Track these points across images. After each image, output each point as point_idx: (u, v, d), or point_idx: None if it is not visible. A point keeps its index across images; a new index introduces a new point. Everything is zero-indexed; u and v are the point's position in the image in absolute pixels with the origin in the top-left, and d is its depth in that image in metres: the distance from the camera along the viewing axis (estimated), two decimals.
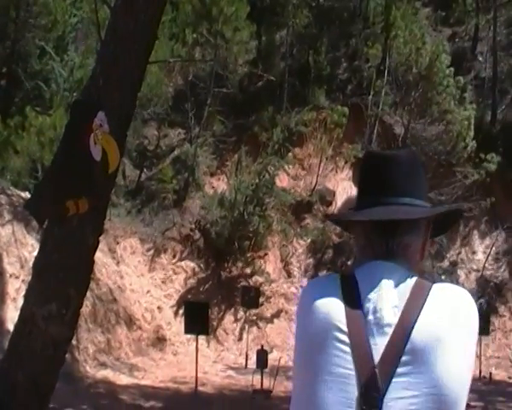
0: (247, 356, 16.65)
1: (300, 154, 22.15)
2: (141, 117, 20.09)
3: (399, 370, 1.66)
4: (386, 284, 1.77)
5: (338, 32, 24.58)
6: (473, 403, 12.84)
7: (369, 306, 1.74)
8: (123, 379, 14.55)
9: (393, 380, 1.66)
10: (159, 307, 18.27)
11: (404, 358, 1.67)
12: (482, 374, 16.21)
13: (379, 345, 1.70)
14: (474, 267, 20.26)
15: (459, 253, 20.54)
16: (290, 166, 21.58)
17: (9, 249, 13.96)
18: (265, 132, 21.37)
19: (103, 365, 14.96)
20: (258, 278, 19.50)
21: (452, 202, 18.29)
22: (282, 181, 21.20)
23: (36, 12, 20.06)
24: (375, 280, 1.78)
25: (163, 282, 18.98)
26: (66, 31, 20.82)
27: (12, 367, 6.35)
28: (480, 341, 15.85)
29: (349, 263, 19.49)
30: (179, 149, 21.87)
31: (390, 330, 1.70)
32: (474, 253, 20.53)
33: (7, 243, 14.02)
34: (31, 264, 8.77)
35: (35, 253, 7.35)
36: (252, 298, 16.89)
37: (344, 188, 21.19)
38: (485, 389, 15.09)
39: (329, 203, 21.34)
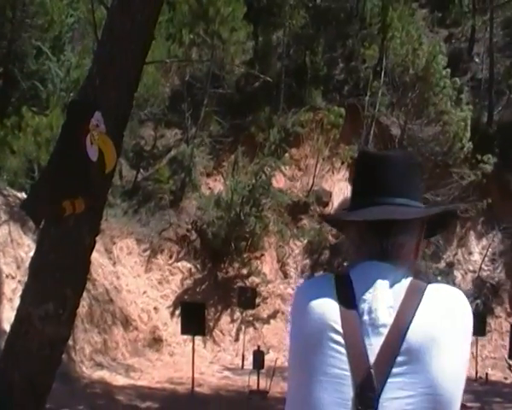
0: (243, 357, 16.65)
1: (297, 154, 22.15)
2: (137, 117, 20.09)
3: (395, 370, 1.66)
4: (381, 285, 1.77)
5: (335, 33, 24.59)
6: (469, 404, 12.85)
7: (364, 306, 1.74)
8: (119, 380, 14.54)
9: (389, 380, 1.66)
10: (155, 308, 18.26)
11: (399, 358, 1.67)
12: (478, 375, 16.23)
13: (374, 345, 1.70)
14: (471, 268, 20.28)
15: (455, 254, 20.56)
16: (287, 167, 21.58)
17: (6, 250, 13.94)
18: (262, 133, 21.36)
19: (100, 365, 14.94)
20: (254, 279, 19.50)
21: (449, 203, 18.29)
22: (279, 182, 21.20)
23: (32, 12, 20.03)
24: (370, 280, 1.78)
25: (159, 282, 18.97)
26: (63, 31, 20.82)
27: (8, 367, 6.34)
28: (476, 342, 15.91)
29: (345, 264, 19.49)
30: (176, 149, 21.87)
31: (385, 331, 1.70)
32: (470, 254, 20.55)
33: (3, 243, 14.00)
34: (27, 264, 8.76)
35: (31, 253, 7.34)
36: (248, 299, 16.89)
37: (340, 189, 21.20)
38: (481, 390, 15.12)
39: (326, 204, 21.35)
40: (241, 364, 16.62)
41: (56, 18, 20.24)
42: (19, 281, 12.90)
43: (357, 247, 1.92)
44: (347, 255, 2.00)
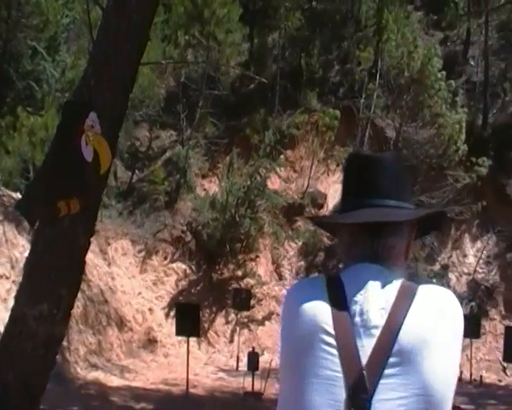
0: (238, 358, 16.64)
1: (292, 156, 22.17)
2: (132, 118, 20.08)
3: (387, 371, 1.66)
4: (373, 286, 1.77)
5: (330, 35, 24.62)
6: (463, 406, 12.86)
7: (356, 308, 1.74)
8: (114, 381, 14.52)
9: (381, 381, 1.66)
10: (150, 309, 18.25)
11: (391, 359, 1.67)
12: (473, 377, 16.25)
13: (366, 347, 1.70)
14: (465, 271, 20.30)
15: (450, 256, 20.59)
16: (282, 169, 21.59)
17: (0, 250, 13.91)
18: (257, 135, 21.37)
19: (94, 366, 14.93)
20: (249, 281, 19.51)
21: (443, 206, 18.32)
22: (274, 183, 21.21)
23: (28, 12, 20.03)
24: (361, 282, 1.78)
25: (154, 283, 18.96)
26: (58, 31, 20.81)
27: (2, 368, 6.32)
28: (470, 344, 15.92)
29: (341, 266, 19.51)
30: (171, 150, 21.86)
31: (377, 332, 1.70)
32: (465, 256, 20.57)
33: None
34: (21, 264, 8.75)
35: (26, 253, 7.34)
36: (243, 300, 16.89)
37: (335, 190, 21.18)
38: (475, 392, 15.13)
39: (321, 206, 21.36)
40: (235, 365, 16.60)
41: (52, 18, 20.24)
42: (13, 281, 12.87)
43: (349, 249, 1.92)
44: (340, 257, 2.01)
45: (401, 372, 1.66)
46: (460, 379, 14.97)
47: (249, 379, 13.62)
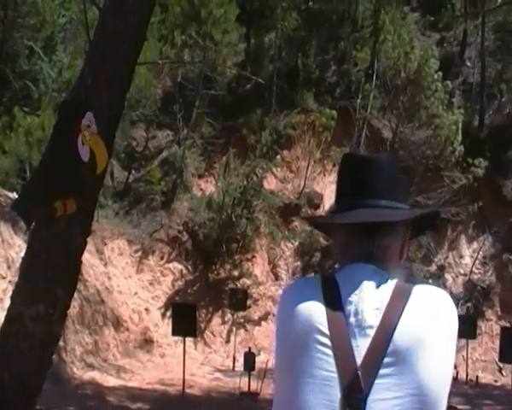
0: (234, 358, 16.65)
1: (288, 156, 22.18)
2: (129, 118, 20.08)
3: (382, 371, 1.67)
4: (368, 286, 1.77)
5: (327, 36, 24.63)
6: (459, 407, 12.89)
7: (351, 308, 1.75)
8: (110, 381, 14.51)
9: (376, 381, 1.66)
10: (146, 309, 18.24)
11: (386, 359, 1.67)
12: (469, 378, 16.26)
13: (361, 347, 1.70)
14: (462, 271, 20.32)
15: (446, 257, 20.60)
16: (278, 169, 21.58)
17: None
18: (254, 135, 21.37)
19: (90, 366, 14.92)
20: (245, 281, 19.51)
21: (440, 207, 18.34)
22: (270, 184, 21.22)
23: (24, 12, 20.01)
24: (356, 282, 1.78)
25: (151, 284, 18.95)
26: (55, 31, 20.79)
27: None
28: (466, 345, 15.95)
29: (337, 266, 19.50)
30: (167, 150, 21.86)
31: (372, 332, 1.71)
32: (461, 257, 20.59)
33: None
34: (18, 264, 8.75)
35: (22, 253, 7.33)
36: (239, 300, 16.88)
37: (332, 191, 21.16)
38: (471, 393, 15.16)
39: (317, 206, 21.37)
40: (232, 365, 16.61)
41: (48, 18, 20.23)
42: (9, 281, 12.85)
43: (343, 249, 1.92)
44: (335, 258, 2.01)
45: (396, 372, 1.67)
46: (456, 380, 15.02)
47: (245, 379, 13.63)
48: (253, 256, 20.13)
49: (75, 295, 7.31)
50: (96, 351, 15.58)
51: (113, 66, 6.37)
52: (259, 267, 20.17)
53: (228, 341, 18.46)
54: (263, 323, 19.03)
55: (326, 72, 24.06)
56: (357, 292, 1.76)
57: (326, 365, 1.70)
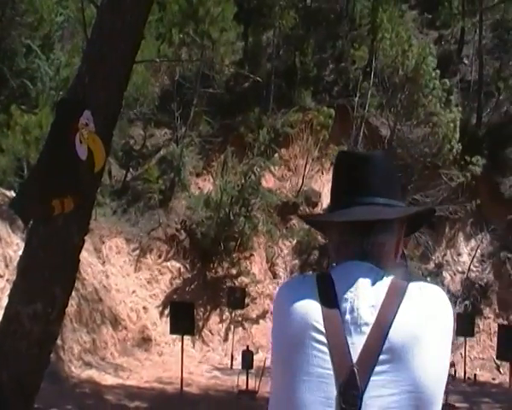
0: (232, 357, 16.64)
1: (286, 155, 22.18)
2: (127, 117, 20.07)
3: (378, 368, 1.67)
4: (363, 284, 1.77)
5: (324, 34, 24.64)
6: (457, 404, 12.90)
7: (346, 305, 1.75)
8: (108, 379, 14.51)
9: (372, 378, 1.67)
10: (144, 308, 18.24)
11: (381, 356, 1.68)
12: (467, 375, 16.29)
13: (356, 344, 1.70)
14: (460, 269, 20.34)
15: (444, 255, 20.62)
16: (276, 167, 21.59)
17: None
18: (251, 133, 21.36)
19: (88, 365, 14.91)
20: (243, 279, 19.51)
21: (438, 204, 18.35)
22: (268, 182, 21.21)
23: (22, 10, 19.99)
24: (352, 280, 1.79)
25: (148, 282, 18.95)
26: (53, 29, 20.77)
27: None
28: (464, 342, 15.96)
29: (334, 264, 19.49)
30: (165, 149, 21.85)
31: (367, 330, 1.71)
32: (459, 255, 20.61)
33: None
34: (15, 263, 8.73)
35: (20, 252, 7.32)
36: (237, 299, 16.87)
37: (330, 189, 21.20)
38: (469, 391, 15.19)
39: (315, 204, 21.37)
40: (230, 364, 16.61)
41: (46, 16, 20.21)
42: (7, 280, 12.85)
43: (339, 247, 1.92)
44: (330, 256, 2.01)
45: (392, 369, 1.67)
46: (454, 378, 15.04)
47: (243, 377, 13.62)
48: (251, 254, 20.13)
49: (73, 293, 7.31)
50: (93, 349, 15.57)
51: (110, 64, 6.36)
52: (257, 265, 20.18)
53: (226, 339, 18.46)
54: (261, 321, 19.04)
55: (324, 70, 24.06)
56: (352, 289, 1.77)
57: (322, 362, 1.70)
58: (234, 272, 19.65)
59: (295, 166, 22.09)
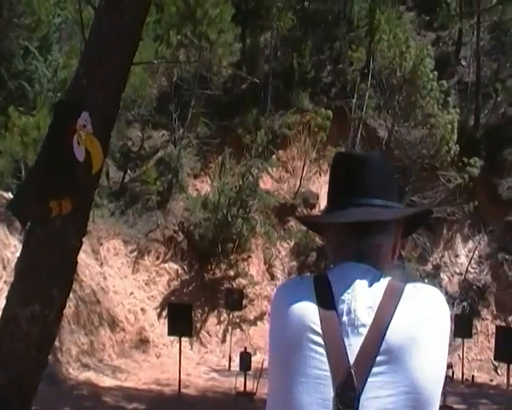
0: (230, 358, 16.64)
1: (284, 156, 22.17)
2: (125, 118, 20.05)
3: (375, 369, 1.68)
4: (360, 285, 1.78)
5: (322, 35, 24.63)
6: (455, 406, 12.90)
7: (343, 307, 1.75)
8: (106, 381, 14.51)
9: (369, 380, 1.67)
10: (142, 309, 18.23)
11: (379, 358, 1.68)
12: (465, 377, 16.29)
13: (354, 345, 1.71)
14: (457, 271, 20.33)
15: (442, 256, 20.62)
16: (274, 169, 21.58)
17: None
18: (249, 135, 21.36)
19: (86, 366, 14.91)
20: (241, 281, 19.50)
21: (435, 206, 18.36)
22: (266, 184, 21.21)
23: (19, 11, 19.97)
24: (349, 281, 1.79)
25: (146, 284, 18.94)
26: (51, 31, 20.75)
27: None
28: (462, 344, 15.96)
29: (332, 266, 19.49)
30: (163, 150, 21.84)
31: (365, 331, 1.72)
32: (457, 256, 20.61)
33: None
34: (13, 265, 8.73)
35: (18, 253, 7.31)
36: (235, 300, 16.88)
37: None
38: (467, 392, 15.19)
39: (313, 206, 21.37)
40: (227, 365, 16.60)
41: (44, 18, 20.18)
42: (5, 282, 12.84)
43: (336, 248, 1.93)
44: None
45: (389, 371, 1.67)
46: (452, 379, 15.04)
47: (241, 379, 13.63)
48: (249, 256, 20.12)
49: (71, 295, 7.31)
50: (91, 351, 15.57)
51: (108, 66, 6.36)
52: (255, 267, 20.17)
53: (224, 341, 18.45)
54: (259, 323, 19.04)
55: (321, 72, 24.06)
56: (349, 291, 1.77)
57: (319, 363, 1.71)
58: (232, 273, 19.64)
59: (293, 168, 22.08)
